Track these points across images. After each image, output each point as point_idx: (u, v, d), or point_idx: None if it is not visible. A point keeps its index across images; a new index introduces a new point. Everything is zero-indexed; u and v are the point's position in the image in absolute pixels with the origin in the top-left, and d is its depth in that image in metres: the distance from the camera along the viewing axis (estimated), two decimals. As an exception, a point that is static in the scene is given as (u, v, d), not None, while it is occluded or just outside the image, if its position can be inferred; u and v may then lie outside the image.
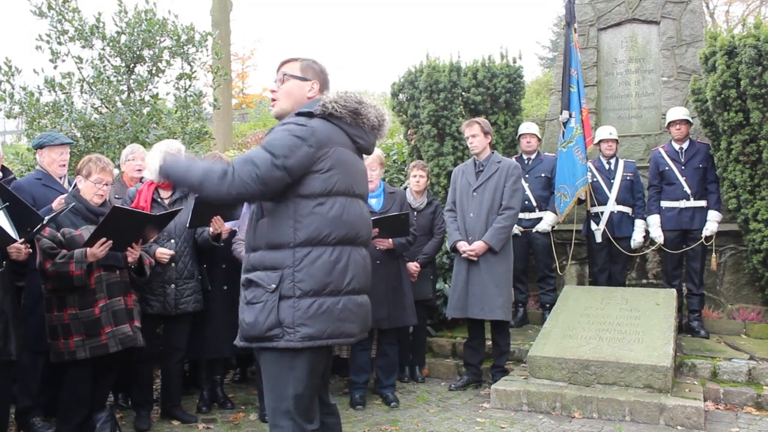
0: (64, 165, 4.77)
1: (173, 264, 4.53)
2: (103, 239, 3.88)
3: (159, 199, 4.60)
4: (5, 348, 3.73)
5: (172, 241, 4.56)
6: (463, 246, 5.34)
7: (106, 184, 4.16)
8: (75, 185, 4.24)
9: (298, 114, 2.65)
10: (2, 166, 4.88)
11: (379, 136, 2.84)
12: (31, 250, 3.89)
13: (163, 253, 4.44)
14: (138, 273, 4.23)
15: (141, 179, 5.01)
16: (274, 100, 2.83)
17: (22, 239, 3.70)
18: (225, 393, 5.17)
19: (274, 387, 2.59)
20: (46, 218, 3.74)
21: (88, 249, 3.87)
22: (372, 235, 4.84)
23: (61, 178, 4.76)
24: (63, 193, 4.48)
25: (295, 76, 2.78)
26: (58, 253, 3.87)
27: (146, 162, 4.73)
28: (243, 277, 2.66)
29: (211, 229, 4.56)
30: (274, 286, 2.53)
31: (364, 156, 2.82)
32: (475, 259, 5.28)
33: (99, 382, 4.24)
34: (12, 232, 3.58)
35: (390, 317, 4.99)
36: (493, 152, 5.52)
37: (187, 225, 4.51)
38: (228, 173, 2.49)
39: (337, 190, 2.61)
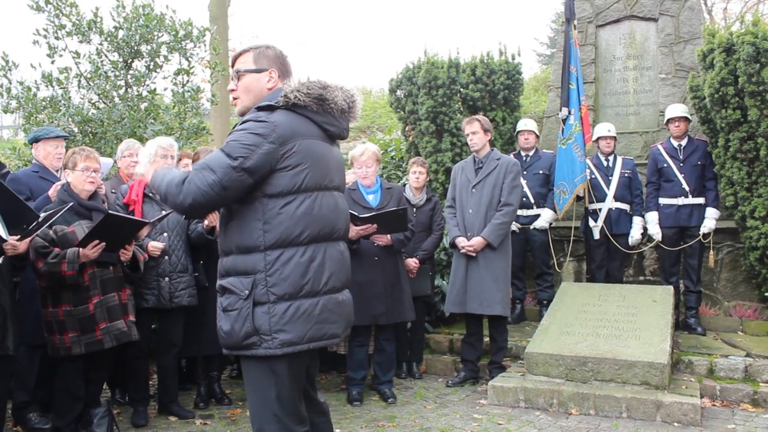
0: (59, 158, 4.77)
1: (166, 257, 4.53)
2: (96, 241, 3.89)
3: (151, 194, 4.60)
4: (3, 343, 3.73)
5: (165, 234, 4.57)
6: (461, 242, 5.34)
7: (95, 171, 4.14)
8: (64, 182, 4.22)
9: (259, 108, 2.49)
10: None
11: (351, 119, 2.67)
12: (28, 244, 3.88)
13: (155, 246, 4.45)
14: (132, 269, 4.23)
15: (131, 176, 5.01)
16: (235, 99, 2.66)
17: (18, 237, 3.68)
18: (222, 389, 5.17)
19: (258, 392, 2.49)
20: (42, 215, 3.72)
21: (80, 250, 3.86)
22: (372, 231, 4.88)
23: (57, 171, 4.76)
24: None
25: (249, 70, 2.61)
26: (51, 251, 3.86)
27: (139, 158, 4.74)
28: (218, 283, 2.56)
29: (206, 222, 4.57)
30: (247, 292, 2.41)
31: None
32: (474, 254, 5.29)
33: (91, 377, 4.25)
34: (3, 231, 3.57)
35: (388, 313, 5.00)
36: (492, 149, 5.54)
37: (183, 216, 4.53)
38: (185, 182, 2.39)
39: (307, 186, 2.46)
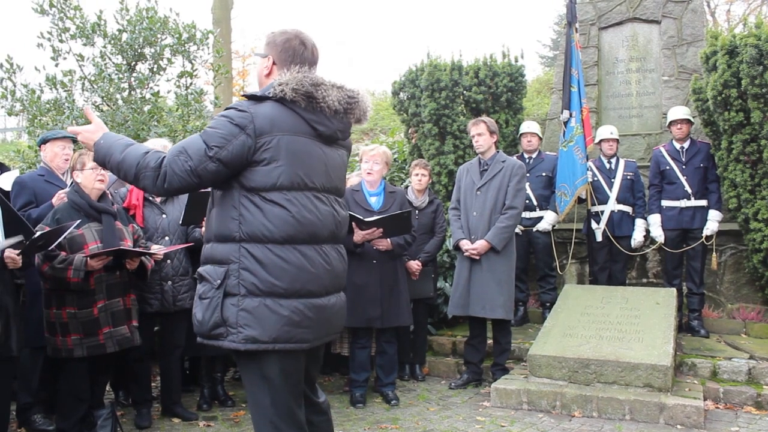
0: (66, 159, 4.75)
1: (168, 261, 4.55)
2: (104, 256, 3.91)
3: (150, 198, 4.62)
4: (6, 344, 3.74)
5: (167, 238, 4.58)
6: (465, 244, 5.34)
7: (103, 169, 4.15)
8: (73, 182, 4.23)
9: (247, 97, 2.43)
10: None
11: (353, 120, 2.57)
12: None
13: (158, 250, 4.45)
14: (138, 275, 4.24)
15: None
16: None
17: (18, 252, 3.69)
18: (225, 390, 5.17)
19: (254, 397, 2.45)
20: (38, 233, 3.72)
21: (88, 259, 3.87)
22: (377, 235, 4.86)
23: (63, 174, 4.76)
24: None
25: (258, 54, 2.58)
26: (57, 255, 3.86)
27: None
28: (197, 270, 2.52)
29: (202, 229, 4.58)
30: (219, 281, 2.37)
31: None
32: (477, 257, 5.29)
33: (96, 379, 4.26)
34: (0, 237, 3.60)
35: (383, 317, 4.97)
36: (498, 151, 5.53)
37: (180, 222, 4.56)
38: (162, 167, 2.32)
39: (282, 184, 2.37)
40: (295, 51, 2.51)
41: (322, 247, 2.49)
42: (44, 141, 4.79)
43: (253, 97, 2.41)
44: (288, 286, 2.38)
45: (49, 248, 3.79)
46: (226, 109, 2.41)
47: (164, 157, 2.34)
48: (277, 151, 2.36)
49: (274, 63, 2.52)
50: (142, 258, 4.17)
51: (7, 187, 4.61)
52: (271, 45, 2.53)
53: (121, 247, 3.95)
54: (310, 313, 2.43)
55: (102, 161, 2.44)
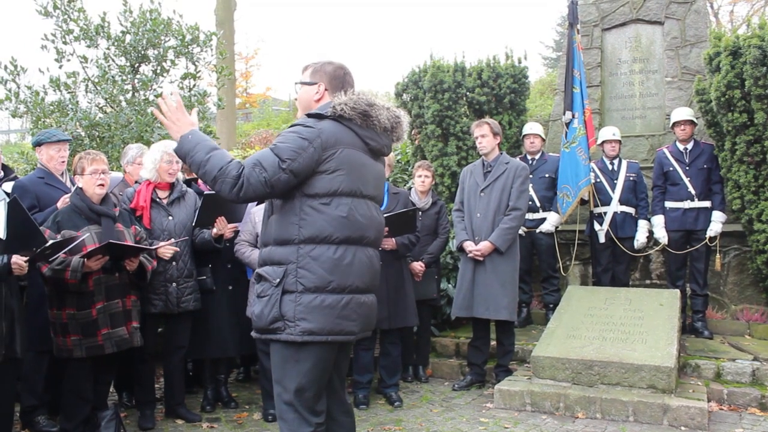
0: (63, 161, 4.74)
1: (173, 263, 4.55)
2: (99, 255, 3.92)
3: (158, 199, 4.62)
4: (10, 346, 3.76)
5: (173, 240, 4.58)
6: (469, 246, 5.34)
7: (103, 172, 4.15)
8: (76, 186, 4.23)
9: (309, 115, 2.69)
10: (3, 165, 4.89)
11: (395, 138, 2.86)
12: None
13: (167, 249, 4.45)
14: (139, 277, 4.25)
15: (136, 181, 5.01)
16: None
17: (26, 259, 3.69)
18: (229, 392, 5.18)
19: (280, 379, 2.66)
20: (50, 242, 3.71)
21: (85, 260, 3.89)
22: (384, 234, 4.87)
23: (62, 174, 4.75)
24: (66, 192, 4.48)
25: (305, 82, 2.85)
26: (57, 257, 3.88)
27: (144, 160, 4.75)
28: (255, 272, 2.76)
29: (215, 230, 4.59)
30: (278, 280, 2.60)
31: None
32: (481, 259, 5.28)
33: (99, 379, 4.27)
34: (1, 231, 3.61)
35: (390, 318, 4.99)
36: (501, 153, 5.53)
37: (193, 224, 4.57)
38: (240, 177, 2.54)
39: (343, 191, 2.64)
40: (343, 79, 2.83)
41: (367, 249, 2.76)
42: (38, 143, 4.76)
43: (314, 116, 2.67)
44: (341, 282, 2.63)
45: (54, 257, 3.80)
46: (292, 125, 2.67)
47: (243, 168, 2.56)
48: (340, 162, 2.63)
49: (326, 89, 2.80)
50: (142, 259, 4.18)
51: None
52: (320, 73, 2.82)
53: (110, 241, 3.92)
54: (357, 307, 2.70)
55: (183, 154, 2.63)
